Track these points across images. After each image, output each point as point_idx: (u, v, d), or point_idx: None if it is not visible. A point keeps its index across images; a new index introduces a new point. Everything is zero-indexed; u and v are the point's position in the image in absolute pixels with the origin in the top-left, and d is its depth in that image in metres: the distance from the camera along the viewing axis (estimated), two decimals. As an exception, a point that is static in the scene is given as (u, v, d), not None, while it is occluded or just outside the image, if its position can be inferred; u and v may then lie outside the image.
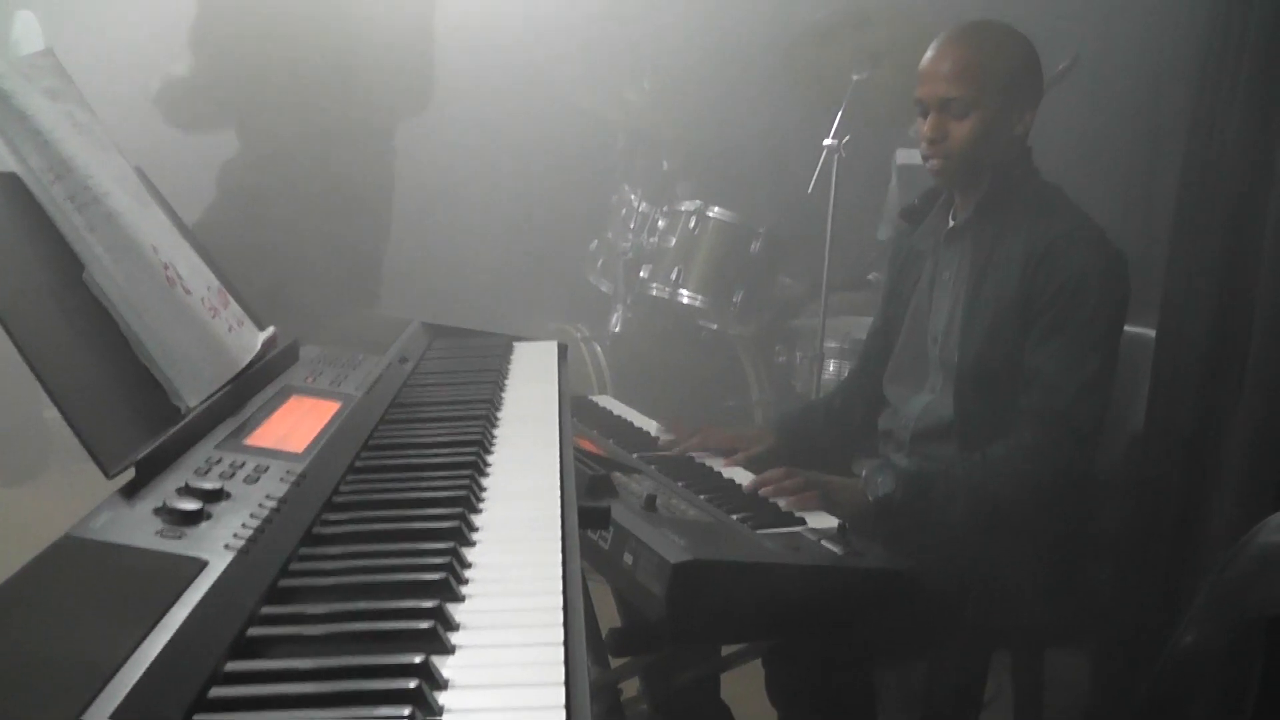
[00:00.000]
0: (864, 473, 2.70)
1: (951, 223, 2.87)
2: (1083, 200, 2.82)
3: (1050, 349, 2.62)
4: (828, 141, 4.31)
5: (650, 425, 3.18)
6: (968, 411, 2.74)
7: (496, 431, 1.79)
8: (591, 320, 5.07)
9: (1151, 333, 2.79)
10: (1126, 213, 3.69)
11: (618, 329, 4.96)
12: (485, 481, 1.54)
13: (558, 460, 1.62)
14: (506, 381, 2.16)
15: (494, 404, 1.95)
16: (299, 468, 1.47)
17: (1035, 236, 2.66)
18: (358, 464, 1.58)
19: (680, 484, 2.68)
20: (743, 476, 2.81)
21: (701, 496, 2.61)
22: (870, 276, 4.67)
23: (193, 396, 1.63)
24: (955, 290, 2.81)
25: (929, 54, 2.76)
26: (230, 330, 1.80)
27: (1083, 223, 2.70)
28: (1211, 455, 2.57)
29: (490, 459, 1.64)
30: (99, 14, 4.69)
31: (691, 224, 4.77)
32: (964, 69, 2.67)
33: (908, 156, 4.66)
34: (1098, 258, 2.64)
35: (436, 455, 1.62)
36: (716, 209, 4.75)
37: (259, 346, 1.88)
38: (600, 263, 5.17)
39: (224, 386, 1.71)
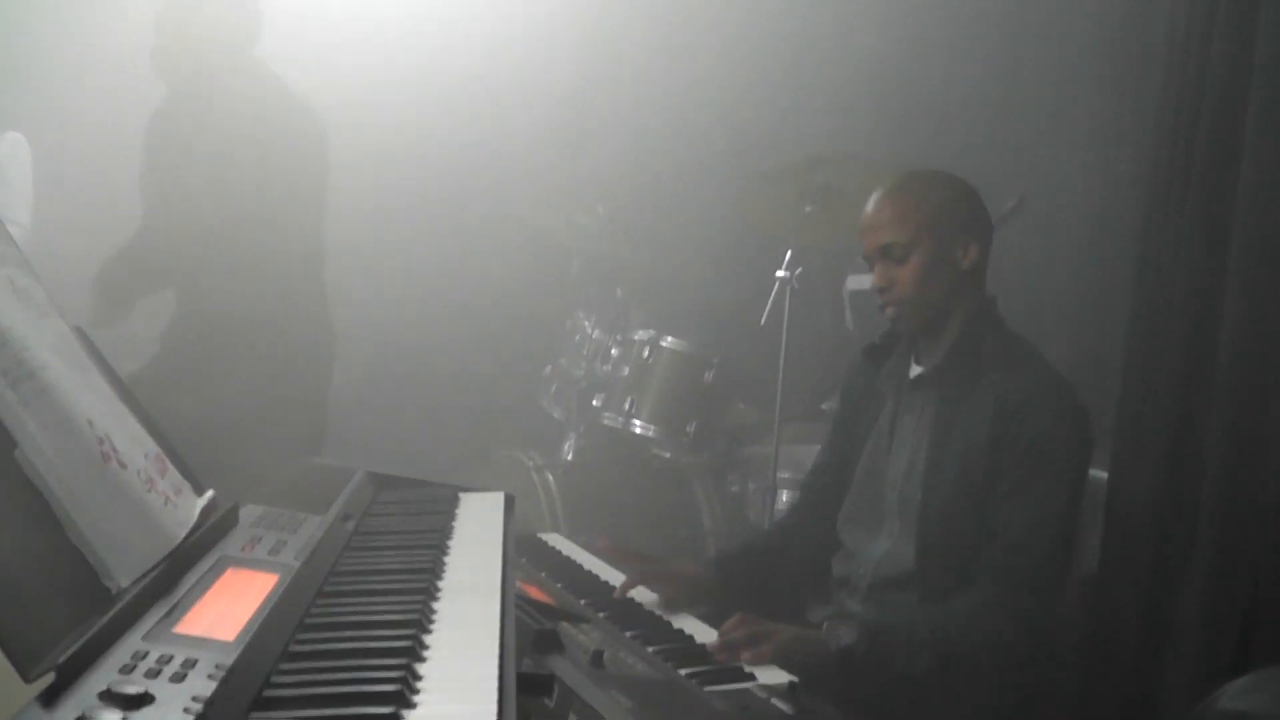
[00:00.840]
0: (824, 624, 2.68)
1: (916, 369, 2.89)
2: (1034, 338, 2.88)
3: (1016, 506, 2.64)
4: (780, 273, 4.37)
5: (600, 568, 3.14)
6: (929, 561, 2.74)
7: (437, 606, 1.76)
8: (544, 447, 5.02)
9: (1104, 475, 2.81)
10: (1077, 353, 3.70)
11: (570, 457, 4.92)
12: (422, 669, 1.50)
13: (498, 642, 1.59)
14: (450, 543, 2.13)
15: (435, 572, 1.92)
16: (229, 659, 1.42)
17: (1004, 391, 2.69)
18: (292, 649, 1.54)
19: (629, 634, 2.63)
20: (692, 625, 2.77)
21: (650, 649, 2.56)
22: (824, 406, 4.64)
23: (125, 576, 1.59)
24: (918, 437, 2.83)
25: (867, 207, 2.86)
26: (167, 503, 1.76)
27: (1051, 379, 2.74)
28: (1167, 606, 2.56)
29: (429, 640, 1.61)
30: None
31: (645, 353, 4.76)
32: (898, 214, 2.77)
33: (858, 283, 4.70)
34: (1065, 416, 2.68)
35: (373, 637, 1.58)
36: (670, 338, 4.73)
37: (196, 516, 1.84)
38: (554, 389, 5.12)
39: (158, 564, 1.67)
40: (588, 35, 5.34)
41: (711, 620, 2.75)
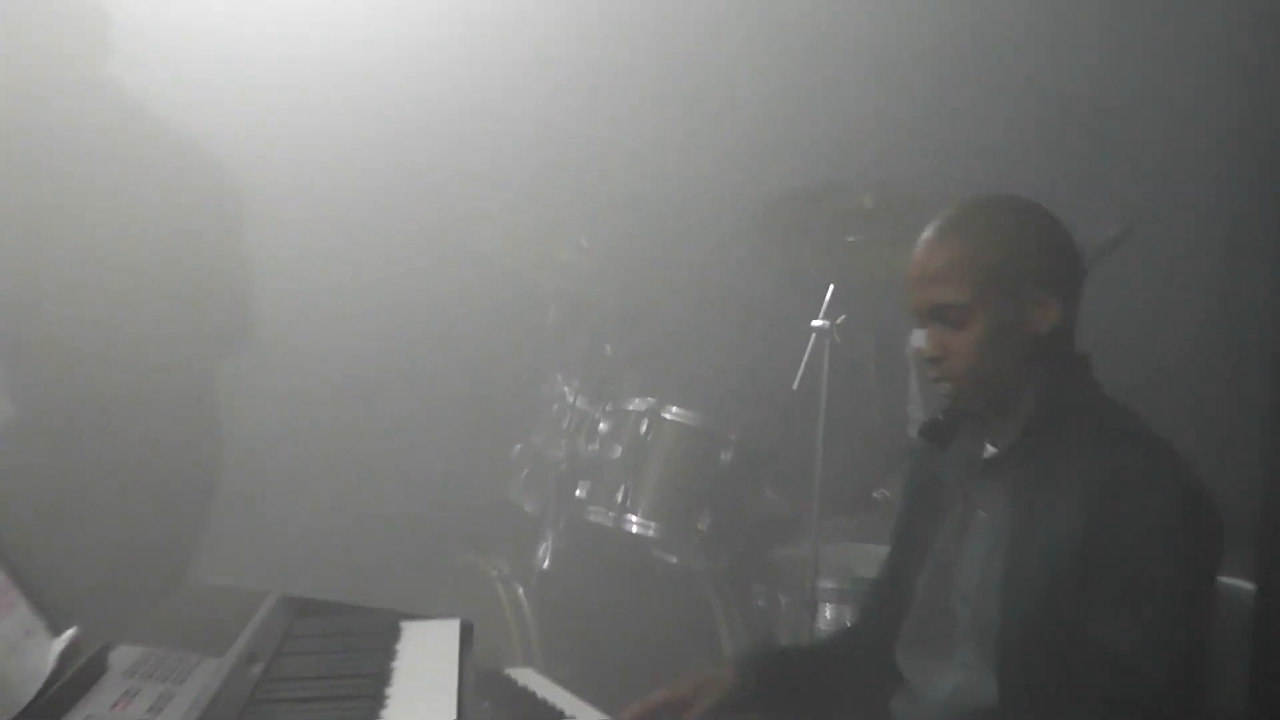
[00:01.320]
0: None
1: (989, 450, 2.84)
2: (1142, 406, 2.80)
3: (1125, 620, 2.55)
4: (818, 322, 4.37)
5: (587, 713, 3.09)
6: (1014, 698, 2.66)
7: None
8: (513, 552, 5.00)
9: (1249, 585, 2.73)
10: (1205, 428, 3.70)
11: (546, 564, 4.85)
12: None
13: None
14: (389, 691, 2.09)
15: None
16: None
17: (1100, 472, 2.61)
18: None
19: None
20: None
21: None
22: (876, 494, 4.65)
23: (-42, 747, 1.58)
24: (994, 537, 2.76)
25: (916, 250, 2.77)
26: (14, 648, 1.73)
27: (1162, 455, 2.65)
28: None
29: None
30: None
31: (642, 428, 4.76)
32: (954, 264, 2.69)
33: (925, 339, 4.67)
34: (1182, 499, 2.58)
35: None
36: (675, 409, 4.76)
37: (53, 663, 1.81)
38: (524, 475, 5.08)
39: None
40: (572, 31, 5.35)
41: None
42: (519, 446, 5.18)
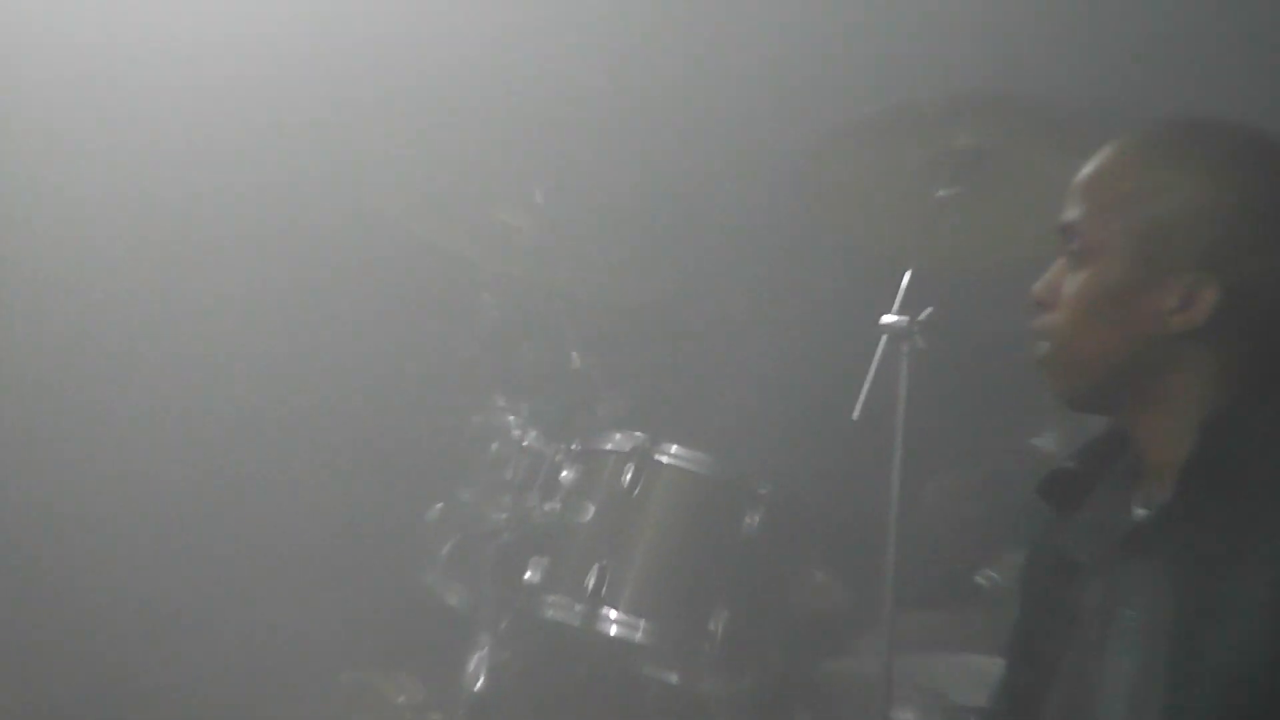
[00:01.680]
0: None
1: (1138, 511, 2.54)
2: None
3: None
4: (890, 318, 4.01)
5: None
6: None
7: None
8: (425, 665, 4.78)
9: None
10: None
11: (480, 684, 4.49)
12: None
13: None
14: None
15: None
16: None
17: None
18: None
19: None
20: None
21: None
22: (980, 578, 4.34)
23: None
24: (1151, 638, 2.46)
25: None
26: None
27: None
28: None
29: None
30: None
31: (625, 477, 4.45)
32: (1102, 179, 2.55)
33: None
34: None
35: None
36: (674, 449, 4.48)
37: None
38: (447, 550, 4.70)
39: None
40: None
41: None
42: (439, 506, 4.87)
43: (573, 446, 4.61)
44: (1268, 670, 2.29)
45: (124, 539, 5.29)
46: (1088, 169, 2.55)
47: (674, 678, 4.38)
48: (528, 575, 4.46)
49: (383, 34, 5.25)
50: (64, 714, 4.64)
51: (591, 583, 4.32)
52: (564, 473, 4.57)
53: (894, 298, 4.00)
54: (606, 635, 4.33)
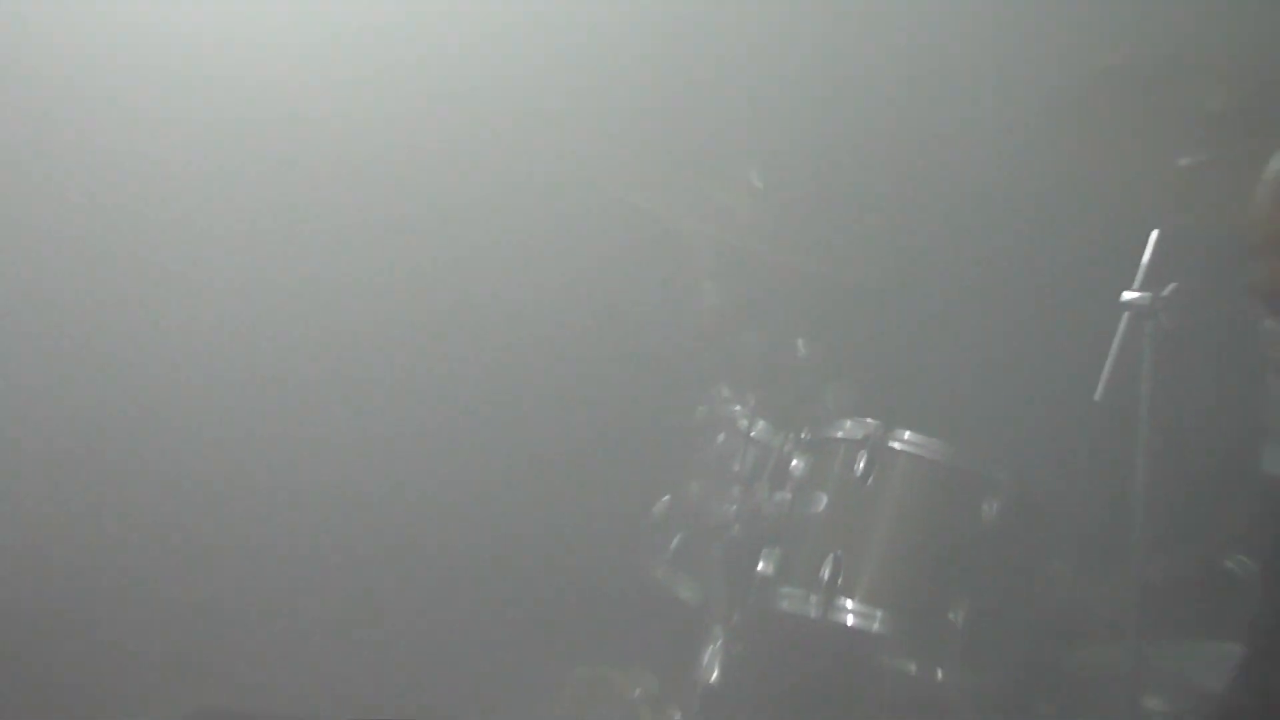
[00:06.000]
0: None
1: None
2: None
3: None
4: (1131, 295, 4.10)
5: None
6: None
7: None
8: (659, 658, 4.90)
9: None
10: None
11: (715, 677, 4.65)
12: None
13: None
14: None
15: None
16: None
17: None
18: None
19: None
20: None
21: None
22: (1231, 563, 4.46)
23: None
24: None
25: None
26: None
27: None
28: None
29: None
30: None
31: (859, 466, 4.53)
32: None
33: (1287, 323, 4.34)
34: None
35: None
36: (908, 436, 4.56)
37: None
38: (676, 543, 4.85)
39: None
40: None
41: None
42: (666, 500, 5.03)
43: (802, 436, 4.70)
44: None
45: (349, 540, 5.45)
46: None
47: (913, 668, 4.42)
48: (760, 567, 4.58)
49: (605, 20, 5.26)
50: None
51: (826, 573, 4.41)
52: (793, 462, 4.68)
53: (1136, 272, 4.10)
54: (843, 626, 4.41)
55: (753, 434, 4.77)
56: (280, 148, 5.53)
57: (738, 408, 4.84)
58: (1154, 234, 4.12)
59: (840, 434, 4.61)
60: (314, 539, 5.41)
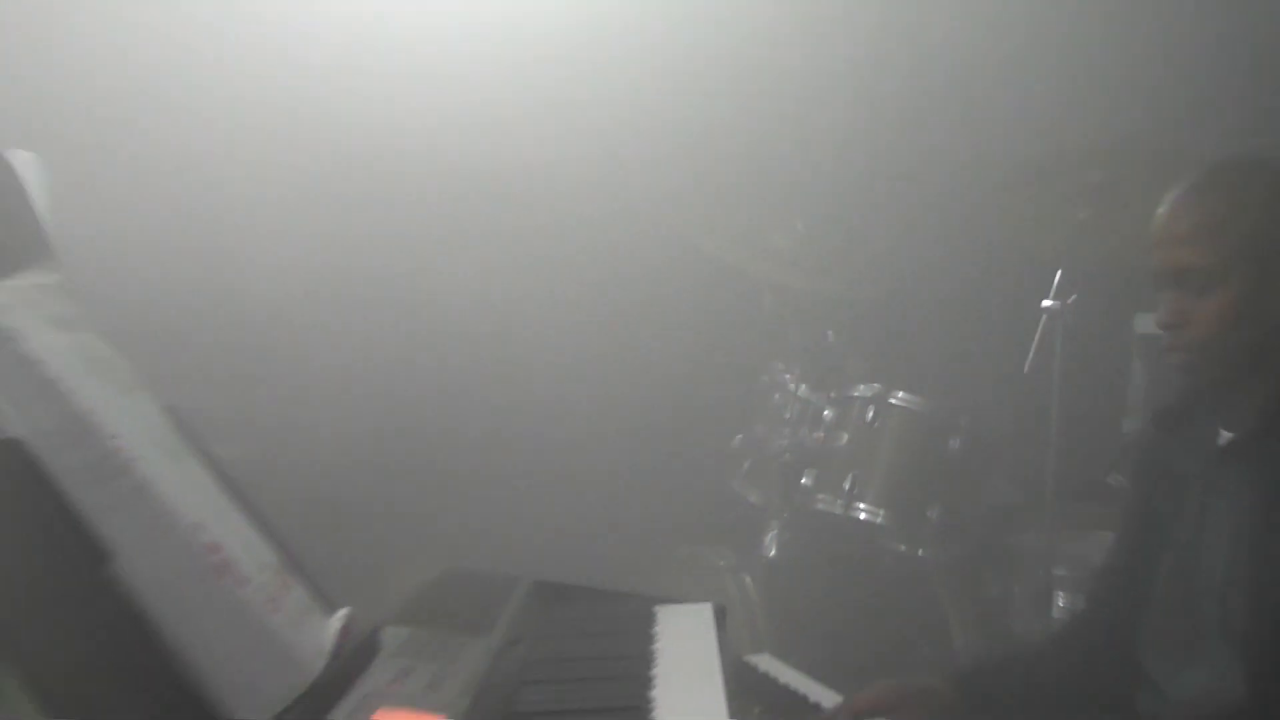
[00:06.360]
0: None
1: (1225, 436, 2.74)
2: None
3: None
4: (1048, 303, 4.35)
5: (828, 699, 3.06)
6: (1269, 698, 2.57)
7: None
8: (736, 541, 5.04)
9: None
10: None
11: (773, 553, 4.90)
12: None
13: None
14: (654, 674, 2.10)
15: (642, 712, 1.90)
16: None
17: None
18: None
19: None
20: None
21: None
22: (1111, 480, 4.56)
23: (249, 714, 1.61)
24: (1238, 527, 2.66)
25: (1163, 209, 2.69)
26: (297, 627, 1.77)
27: None
28: None
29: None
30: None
31: (869, 415, 4.77)
32: (1204, 226, 2.60)
33: (1149, 322, 4.58)
34: None
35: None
36: (901, 395, 4.76)
37: (331, 642, 1.85)
38: (747, 466, 5.12)
39: (292, 704, 1.69)
40: (784, 8, 5.34)
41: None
42: (740, 437, 5.22)
43: (831, 394, 4.90)
44: None
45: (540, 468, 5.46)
46: (1184, 223, 2.61)
47: (902, 548, 4.74)
48: (803, 481, 4.84)
49: (687, 101, 5.37)
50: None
51: (847, 486, 4.70)
52: (825, 412, 4.89)
53: (1050, 287, 4.32)
54: (858, 520, 4.70)
55: (798, 393, 4.96)
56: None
57: (787, 376, 5.02)
58: (1059, 273, 4.31)
59: (856, 393, 4.81)
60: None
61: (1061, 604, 4.34)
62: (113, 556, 1.59)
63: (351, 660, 1.91)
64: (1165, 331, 2.68)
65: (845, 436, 4.82)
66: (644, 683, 2.07)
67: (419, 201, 5.31)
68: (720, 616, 2.53)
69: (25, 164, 4.55)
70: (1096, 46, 4.91)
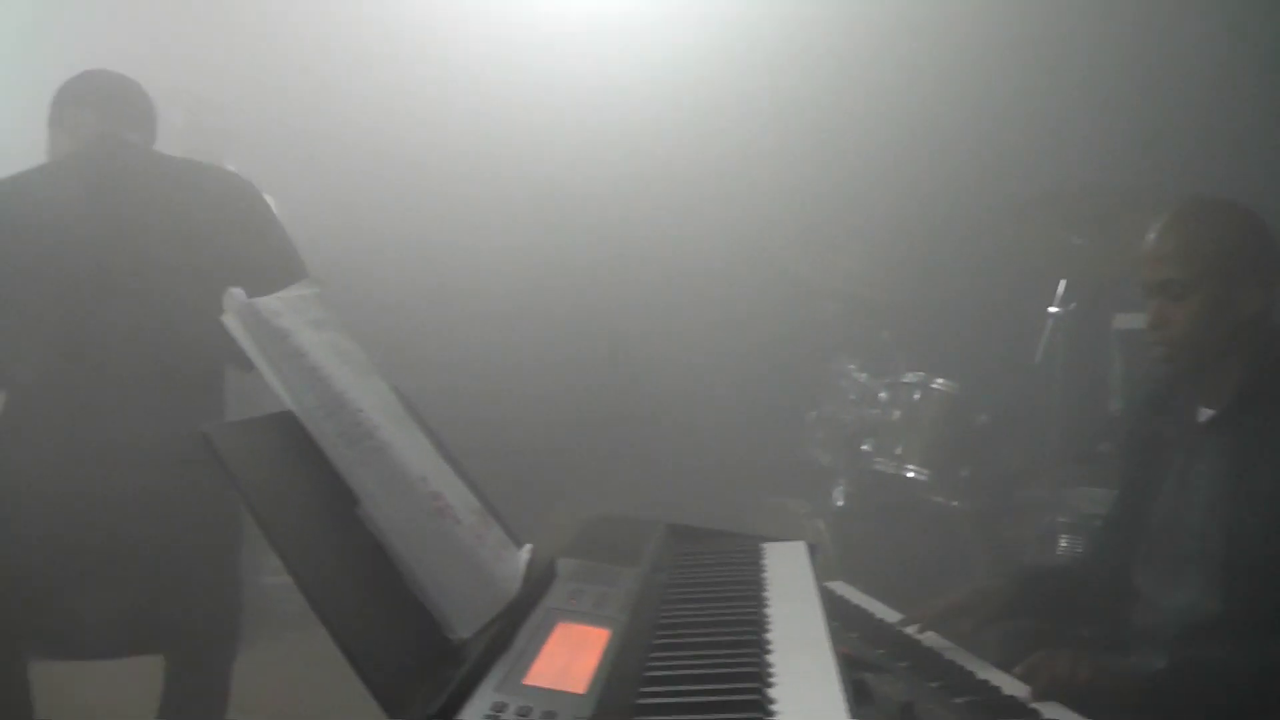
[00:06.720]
0: (1134, 660, 2.62)
1: (1205, 412, 2.74)
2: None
3: None
4: (1053, 309, 4.36)
5: (890, 616, 3.06)
6: (1241, 610, 2.57)
7: (771, 660, 1.73)
8: (810, 494, 5.00)
9: None
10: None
11: (841, 504, 4.86)
12: (774, 720, 1.50)
13: (842, 696, 1.56)
14: (766, 595, 2.10)
15: (759, 625, 1.89)
16: (584, 712, 1.44)
17: None
18: (639, 702, 1.55)
19: (934, 685, 2.55)
20: (995, 676, 2.68)
21: (957, 700, 2.47)
22: (1101, 448, 4.47)
23: (465, 629, 1.65)
24: (1215, 485, 2.67)
25: (1150, 235, 2.70)
26: (498, 558, 1.79)
27: None
28: None
29: (772, 694, 1.59)
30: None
31: (915, 396, 4.74)
32: (1180, 249, 2.62)
33: (1127, 322, 4.55)
34: None
35: (718, 691, 1.58)
36: (941, 381, 4.72)
37: (523, 570, 1.87)
38: (819, 435, 5.09)
39: (496, 617, 1.70)
40: (840, 70, 5.32)
41: (1007, 666, 2.65)
42: (814, 413, 5.19)
43: (885, 380, 4.86)
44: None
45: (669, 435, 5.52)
46: (1166, 245, 2.63)
47: (940, 499, 4.71)
48: (863, 448, 4.82)
49: (785, 141, 5.33)
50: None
51: (898, 451, 4.70)
52: (881, 394, 4.84)
53: (1055, 296, 4.36)
54: (906, 478, 4.69)
55: (860, 379, 4.94)
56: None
57: (851, 366, 5.00)
58: (1062, 281, 4.34)
59: (905, 379, 4.77)
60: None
61: (1063, 544, 4.24)
62: (359, 501, 1.65)
63: (538, 583, 1.93)
64: (1151, 331, 2.67)
65: (897, 413, 4.77)
66: (759, 602, 2.07)
67: (606, 203, 5.40)
68: (812, 552, 2.52)
69: (275, 202, 4.70)
70: (1101, 99, 4.87)
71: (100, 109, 3.12)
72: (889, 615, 3.07)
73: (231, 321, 1.69)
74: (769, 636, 1.86)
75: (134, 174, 3.05)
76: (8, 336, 2.93)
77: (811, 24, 5.22)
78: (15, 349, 2.91)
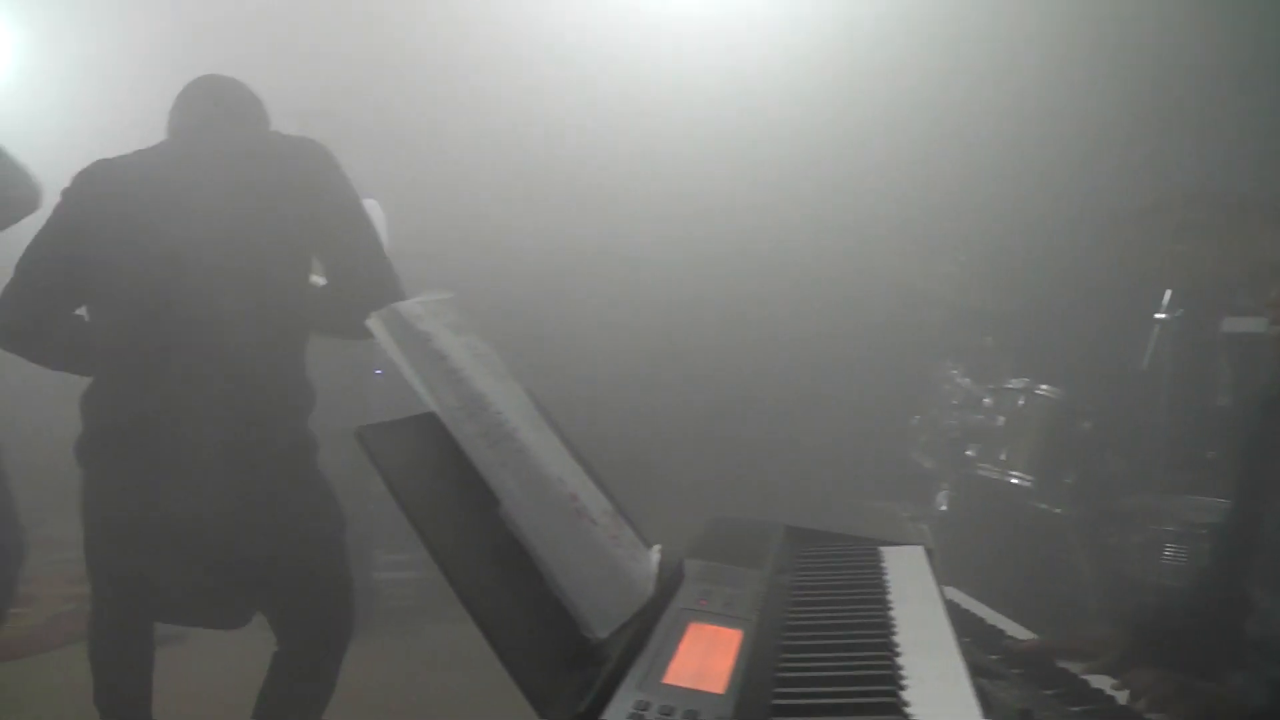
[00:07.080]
0: (1239, 683, 2.53)
1: None
2: None
3: None
4: (1160, 315, 4.36)
5: (1001, 622, 3.02)
6: None
7: (902, 662, 1.73)
8: (914, 498, 4.99)
9: None
10: None
11: (944, 508, 4.86)
12: (911, 725, 1.49)
13: (974, 698, 1.56)
14: (889, 597, 2.09)
15: (887, 628, 1.89)
16: (725, 712, 1.44)
17: None
18: (777, 702, 1.55)
19: (1049, 694, 2.53)
20: (1108, 685, 2.65)
21: (1074, 709, 2.45)
22: (1207, 455, 4.49)
23: (603, 629, 1.64)
24: None
25: None
26: (633, 559, 1.80)
27: None
28: None
29: (905, 696, 1.59)
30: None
31: (1020, 402, 4.74)
32: None
33: (1234, 325, 4.48)
34: None
35: (853, 693, 1.57)
36: (1045, 387, 4.72)
37: (655, 571, 1.87)
38: (923, 440, 5.09)
39: (632, 617, 1.71)
40: (949, 79, 5.32)
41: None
42: (918, 418, 5.22)
43: (989, 386, 4.89)
44: None
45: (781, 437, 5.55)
46: None
47: (1044, 506, 4.68)
48: (967, 453, 4.84)
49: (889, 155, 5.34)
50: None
51: (1003, 457, 4.71)
52: (985, 400, 4.88)
53: (1161, 303, 4.35)
54: (1011, 484, 4.69)
55: (964, 384, 4.96)
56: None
57: (955, 371, 5.03)
58: (1168, 291, 4.33)
59: (1010, 385, 4.81)
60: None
61: (1168, 552, 4.22)
62: (500, 502, 1.66)
63: (666, 585, 1.92)
64: (1270, 310, 2.56)
65: (1001, 419, 4.78)
66: (883, 604, 2.06)
67: (721, 214, 5.46)
68: (930, 557, 2.50)
69: (374, 209, 4.70)
70: (1207, 107, 4.82)
71: (209, 101, 3.33)
72: (999, 621, 3.04)
73: (375, 325, 1.71)
74: (898, 640, 1.85)
75: (224, 152, 3.18)
76: (112, 301, 3.06)
77: (923, 32, 5.25)
78: (119, 314, 3.05)
